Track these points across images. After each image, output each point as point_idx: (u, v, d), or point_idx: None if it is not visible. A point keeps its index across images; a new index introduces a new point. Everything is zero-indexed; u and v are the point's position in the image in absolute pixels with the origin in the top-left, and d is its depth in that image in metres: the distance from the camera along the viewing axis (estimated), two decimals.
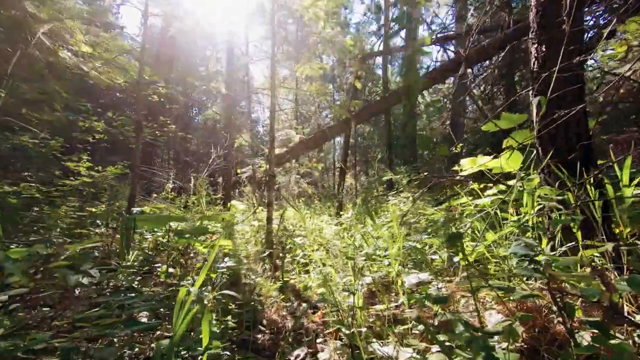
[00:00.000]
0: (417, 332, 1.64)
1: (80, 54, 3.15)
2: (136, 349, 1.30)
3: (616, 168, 1.30)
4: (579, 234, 1.21)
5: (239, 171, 6.93)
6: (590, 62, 4.29)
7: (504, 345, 1.15)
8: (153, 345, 1.37)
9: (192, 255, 3.19)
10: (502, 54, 4.80)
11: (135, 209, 2.81)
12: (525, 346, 1.21)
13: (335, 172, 13.50)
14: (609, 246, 1.05)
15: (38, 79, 3.40)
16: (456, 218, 2.20)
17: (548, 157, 1.48)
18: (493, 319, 1.57)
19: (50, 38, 3.07)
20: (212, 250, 1.03)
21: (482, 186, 2.73)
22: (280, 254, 3.86)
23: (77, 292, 2.40)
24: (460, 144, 4.98)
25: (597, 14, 4.65)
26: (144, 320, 1.04)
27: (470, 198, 2.54)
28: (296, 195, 8.14)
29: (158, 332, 1.53)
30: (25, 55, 2.98)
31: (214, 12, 6.04)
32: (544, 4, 1.76)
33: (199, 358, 1.04)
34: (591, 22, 4.59)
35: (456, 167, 2.85)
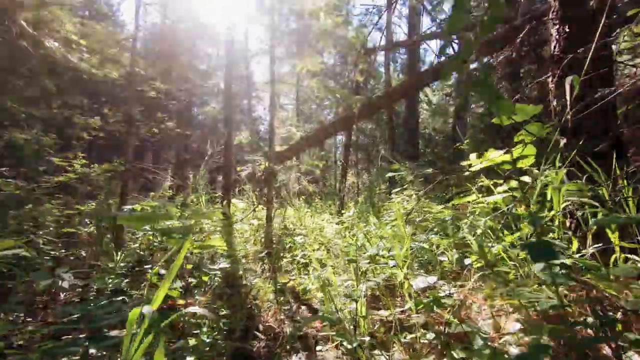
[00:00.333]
0: (425, 341, 1.49)
1: (69, 44, 3.01)
2: None
3: None
4: (614, 236, 1.06)
5: (238, 169, 6.80)
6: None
7: None
8: None
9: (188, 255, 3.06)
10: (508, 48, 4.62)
11: (126, 207, 2.68)
12: None
13: (337, 170, 13.35)
14: None
15: (25, 71, 3.28)
16: (467, 216, 2.04)
17: (574, 150, 1.32)
18: (510, 326, 1.42)
19: (35, 27, 2.92)
20: (182, 247, 0.88)
21: (491, 183, 2.57)
22: (281, 254, 3.73)
23: (62, 296, 2.28)
24: (467, 140, 4.81)
25: None
26: (116, 332, 0.90)
27: (480, 195, 2.39)
28: (297, 193, 8.01)
29: None
30: (6, 44, 2.83)
31: (212, 4, 5.89)
32: None
33: None
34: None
35: (464, 163, 2.69)
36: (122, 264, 2.29)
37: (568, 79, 1.00)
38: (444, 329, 1.59)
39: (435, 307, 1.60)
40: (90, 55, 3.09)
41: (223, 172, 2.99)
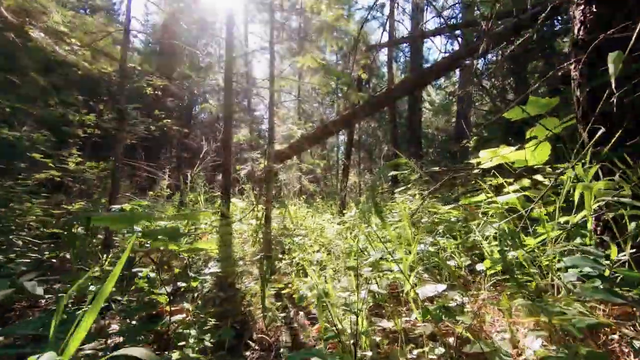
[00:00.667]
0: (434, 356, 1.34)
1: (56, 35, 2.86)
2: None
3: None
4: None
5: (238, 168, 6.68)
6: None
7: None
8: None
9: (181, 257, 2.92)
10: (518, 41, 4.45)
11: (115, 207, 2.54)
12: None
13: (339, 169, 13.20)
14: None
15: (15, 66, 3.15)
16: (479, 217, 1.89)
17: (606, 143, 1.16)
18: (531, 342, 1.27)
19: (19, 16, 2.77)
20: (128, 247, 0.73)
21: (499, 182, 2.42)
22: (279, 255, 3.59)
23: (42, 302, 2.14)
24: (475, 137, 4.66)
25: None
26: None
27: (489, 195, 2.23)
28: (298, 193, 7.87)
29: None
30: None
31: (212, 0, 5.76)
32: None
33: None
34: None
35: (473, 160, 2.54)
36: (109, 268, 2.16)
37: (611, 55, 0.85)
38: (455, 342, 1.44)
39: (444, 316, 1.45)
40: (79, 47, 2.94)
41: (222, 170, 2.85)
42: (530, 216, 1.55)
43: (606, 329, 0.97)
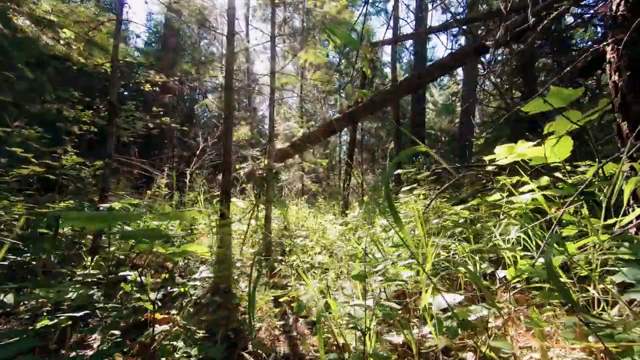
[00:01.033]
0: None
1: (49, 26, 2.71)
2: None
3: None
4: None
5: (238, 167, 6.53)
6: None
7: None
8: None
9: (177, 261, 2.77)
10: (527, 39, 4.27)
11: (103, 205, 2.39)
12: None
13: (341, 169, 13.04)
14: None
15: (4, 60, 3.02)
16: (500, 218, 1.72)
17: None
18: None
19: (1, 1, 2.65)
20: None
21: (514, 180, 2.25)
22: (279, 257, 3.43)
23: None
24: (481, 136, 4.48)
25: None
26: None
27: (504, 194, 2.07)
28: (299, 192, 7.72)
29: None
30: None
31: None
32: None
33: None
34: None
35: (486, 158, 2.37)
36: (94, 272, 2.01)
37: None
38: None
39: (460, 330, 1.29)
40: (73, 41, 2.79)
41: (222, 169, 2.70)
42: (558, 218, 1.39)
43: None
